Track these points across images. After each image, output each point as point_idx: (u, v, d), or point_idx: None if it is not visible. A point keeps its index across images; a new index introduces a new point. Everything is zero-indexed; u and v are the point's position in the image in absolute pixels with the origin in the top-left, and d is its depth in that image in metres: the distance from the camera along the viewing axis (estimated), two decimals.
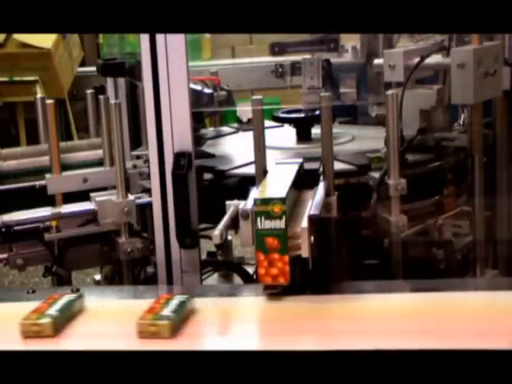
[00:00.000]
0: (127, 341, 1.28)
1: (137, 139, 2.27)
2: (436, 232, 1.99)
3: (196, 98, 2.15)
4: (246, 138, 1.99)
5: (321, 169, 1.70)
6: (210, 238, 1.64)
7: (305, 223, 1.41)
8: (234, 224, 1.50)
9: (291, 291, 1.42)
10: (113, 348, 1.26)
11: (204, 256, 2.13)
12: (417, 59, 2.03)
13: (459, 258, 2.05)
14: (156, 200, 1.73)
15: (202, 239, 1.81)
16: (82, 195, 1.91)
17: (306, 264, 1.41)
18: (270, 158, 1.74)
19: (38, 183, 1.96)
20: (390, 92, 1.80)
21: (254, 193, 1.50)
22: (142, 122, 2.08)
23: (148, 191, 1.85)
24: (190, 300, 1.38)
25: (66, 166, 2.00)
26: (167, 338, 1.26)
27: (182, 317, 1.33)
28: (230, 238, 2.32)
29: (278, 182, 1.53)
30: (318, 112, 1.99)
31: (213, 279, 2.24)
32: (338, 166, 1.83)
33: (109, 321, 1.40)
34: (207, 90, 2.27)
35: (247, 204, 1.46)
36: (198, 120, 2.21)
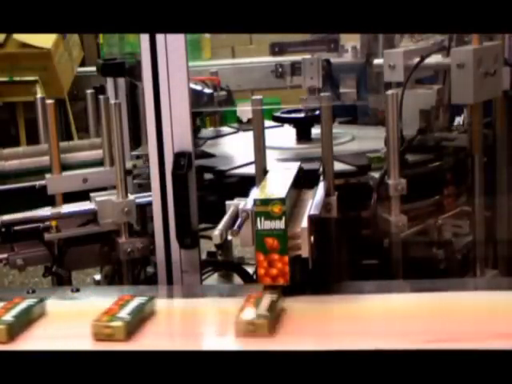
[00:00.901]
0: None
1: (137, 139, 2.27)
2: (436, 232, 1.99)
3: (196, 97, 2.15)
4: (246, 138, 1.99)
5: (321, 169, 1.70)
6: (210, 238, 1.63)
7: (305, 223, 1.40)
8: (234, 224, 1.49)
9: (291, 291, 1.42)
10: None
11: (204, 256, 2.13)
12: (417, 59, 2.03)
13: (459, 258, 2.05)
14: (156, 200, 1.73)
15: (202, 239, 1.81)
16: (82, 195, 1.91)
17: (306, 264, 1.41)
18: (270, 158, 1.74)
19: (38, 183, 1.96)
20: (389, 92, 1.80)
21: (254, 193, 1.49)
22: (142, 122, 2.08)
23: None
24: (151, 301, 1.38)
25: (66, 166, 2.00)
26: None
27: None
28: (229, 237, 2.31)
29: (277, 182, 1.53)
30: (318, 112, 1.99)
31: (213, 279, 2.24)
32: (338, 166, 1.83)
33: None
34: (207, 90, 2.27)
35: (247, 204, 1.46)
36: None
